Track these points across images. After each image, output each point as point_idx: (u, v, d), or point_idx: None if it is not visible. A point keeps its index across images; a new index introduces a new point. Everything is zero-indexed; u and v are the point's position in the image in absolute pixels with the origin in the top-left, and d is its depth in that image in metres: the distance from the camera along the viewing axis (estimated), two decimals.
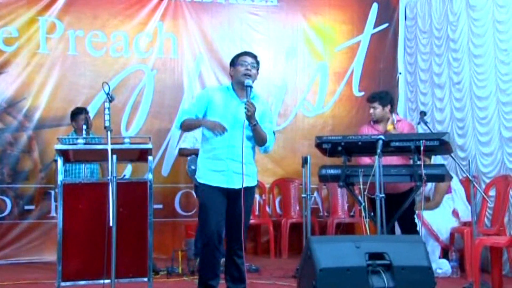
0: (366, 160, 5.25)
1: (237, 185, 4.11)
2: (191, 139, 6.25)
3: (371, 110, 5.43)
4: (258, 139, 4.20)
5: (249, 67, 4.20)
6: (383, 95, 5.49)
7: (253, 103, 4.05)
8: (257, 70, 4.30)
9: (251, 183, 4.24)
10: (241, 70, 4.20)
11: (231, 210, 4.19)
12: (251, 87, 4.12)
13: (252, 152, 4.28)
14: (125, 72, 7.26)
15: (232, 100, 4.22)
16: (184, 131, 4.37)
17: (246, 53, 4.32)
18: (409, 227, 5.15)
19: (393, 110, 5.49)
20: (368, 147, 4.75)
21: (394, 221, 5.00)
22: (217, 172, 4.16)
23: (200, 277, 4.28)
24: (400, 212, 5.03)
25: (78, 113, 6.30)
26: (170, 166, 7.20)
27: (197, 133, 6.09)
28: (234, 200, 4.13)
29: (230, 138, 4.10)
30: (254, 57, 4.30)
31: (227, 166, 4.13)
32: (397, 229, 5.55)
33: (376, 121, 5.43)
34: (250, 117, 4.04)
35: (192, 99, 4.41)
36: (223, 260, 5.93)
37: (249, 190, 4.22)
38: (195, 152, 6.12)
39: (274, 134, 4.41)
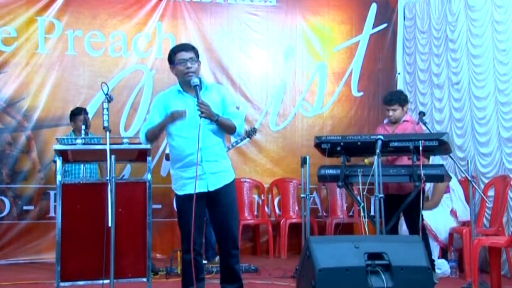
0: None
1: (215, 186, 3.99)
2: None
3: (390, 113, 5.43)
4: (227, 129, 4.03)
5: (188, 64, 3.98)
6: (402, 96, 5.50)
7: (204, 102, 3.86)
8: (198, 59, 4.07)
9: (229, 179, 4.09)
10: (182, 70, 4.00)
11: (216, 211, 4.06)
12: (198, 85, 3.92)
13: (222, 145, 4.11)
14: (124, 72, 7.27)
15: (186, 101, 4.01)
16: (150, 142, 4.09)
17: (181, 49, 4.06)
18: (418, 231, 5.05)
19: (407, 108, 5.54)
20: (367, 147, 4.76)
21: (394, 221, 5.00)
22: (193, 179, 3.94)
23: (183, 282, 4.16)
24: (398, 212, 5.04)
25: (77, 113, 6.29)
26: (169, 167, 7.17)
27: None
28: (216, 200, 4.00)
29: (199, 140, 3.88)
30: (191, 48, 4.07)
31: (202, 169, 3.94)
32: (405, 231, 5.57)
33: (393, 122, 5.45)
34: (207, 116, 3.87)
35: (150, 111, 4.21)
36: (218, 257, 5.95)
37: (228, 188, 4.07)
38: None
39: (241, 115, 4.21)
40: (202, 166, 3.95)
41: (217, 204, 4.03)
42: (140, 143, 4.46)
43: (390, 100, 5.44)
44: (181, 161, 4.03)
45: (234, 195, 4.17)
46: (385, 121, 5.62)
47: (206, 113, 3.86)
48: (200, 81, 4.01)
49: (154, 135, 4.06)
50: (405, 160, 5.23)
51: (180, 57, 4.02)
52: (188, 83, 3.98)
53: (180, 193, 4.08)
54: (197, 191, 3.94)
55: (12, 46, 6.97)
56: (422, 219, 5.33)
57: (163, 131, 4.05)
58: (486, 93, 6.04)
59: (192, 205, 3.95)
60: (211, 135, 3.99)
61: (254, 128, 6.95)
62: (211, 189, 3.99)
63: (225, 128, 4.02)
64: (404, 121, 5.50)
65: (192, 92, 3.98)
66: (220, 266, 4.26)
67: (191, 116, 3.92)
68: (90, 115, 6.65)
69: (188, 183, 4.01)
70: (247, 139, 6.93)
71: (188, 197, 3.99)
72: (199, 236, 4.11)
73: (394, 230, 5.23)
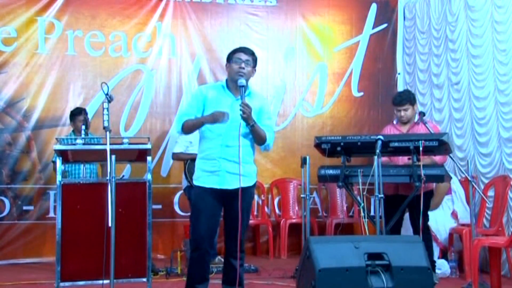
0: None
1: (231, 186, 4.02)
2: (184, 143, 6.24)
3: (402, 113, 5.39)
4: (257, 138, 4.09)
5: (243, 65, 4.07)
6: (411, 96, 5.48)
7: (248, 104, 3.94)
8: (254, 66, 4.18)
9: (248, 183, 4.12)
10: (235, 68, 4.08)
11: (228, 211, 4.10)
12: (244, 87, 4.00)
13: (250, 151, 4.16)
14: (124, 72, 7.26)
15: (226, 98, 4.10)
16: (185, 133, 4.20)
17: (241, 50, 4.17)
18: (423, 232, 4.98)
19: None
20: (367, 147, 4.75)
21: (394, 222, 5.00)
22: (211, 173, 4.05)
23: (188, 279, 4.18)
24: (399, 212, 5.04)
25: (77, 113, 6.29)
26: (169, 167, 7.19)
27: (190, 137, 6.16)
28: (230, 201, 4.04)
29: (225, 138, 4.02)
30: (251, 53, 4.16)
31: (220, 166, 4.02)
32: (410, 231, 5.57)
33: (404, 122, 5.43)
34: (246, 118, 3.94)
35: (188, 99, 4.28)
36: (219, 258, 5.95)
37: (246, 191, 4.09)
38: (191, 158, 6.16)
39: (273, 131, 4.30)
40: (219, 162, 4.03)
41: (230, 206, 4.06)
42: (140, 143, 4.47)
43: (401, 101, 5.40)
44: (203, 152, 4.13)
45: (250, 200, 4.22)
46: (395, 121, 5.58)
47: (247, 115, 3.94)
48: (246, 85, 4.11)
49: (190, 129, 4.15)
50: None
51: (238, 56, 4.12)
52: (234, 82, 4.07)
53: (195, 183, 4.15)
54: (210, 186, 4.05)
55: (12, 46, 6.97)
56: (427, 220, 5.33)
57: (201, 127, 4.11)
58: (486, 93, 6.04)
59: (206, 200, 4.05)
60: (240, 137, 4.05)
61: None
62: (224, 187, 4.02)
63: (256, 136, 4.08)
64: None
65: (235, 93, 4.09)
66: (223, 267, 4.25)
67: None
68: (90, 115, 6.64)
69: (203, 176, 4.09)
70: None
71: (203, 190, 4.08)
72: (210, 235, 4.12)
73: (395, 230, 5.21)
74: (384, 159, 5.17)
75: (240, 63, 4.08)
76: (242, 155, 4.04)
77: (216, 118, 3.95)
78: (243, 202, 4.04)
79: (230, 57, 4.18)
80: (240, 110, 3.92)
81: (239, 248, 4.03)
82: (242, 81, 4.01)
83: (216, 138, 4.04)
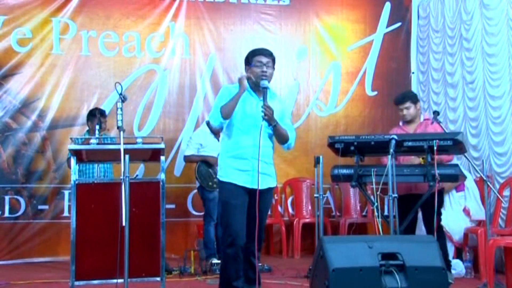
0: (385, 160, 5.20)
1: (260, 186, 4.03)
2: (194, 146, 6.29)
3: (404, 112, 5.42)
4: (280, 138, 4.17)
5: (265, 68, 4.10)
6: (411, 94, 5.52)
7: (270, 106, 3.99)
8: (273, 66, 4.20)
9: (273, 183, 4.23)
10: (257, 72, 4.10)
11: (251, 211, 4.08)
12: (267, 88, 4.05)
13: (272, 151, 4.26)
14: (137, 72, 7.29)
15: (251, 100, 4.14)
16: (225, 119, 4.04)
17: (261, 52, 4.18)
18: (437, 232, 4.96)
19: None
20: (381, 147, 4.73)
21: (408, 222, 4.97)
22: (242, 172, 4.08)
23: (223, 278, 4.14)
24: (412, 212, 5.01)
25: (95, 114, 6.22)
26: (182, 166, 7.20)
27: (201, 139, 6.18)
28: (255, 200, 4.03)
29: (254, 138, 4.04)
30: (270, 54, 4.19)
31: (253, 165, 4.06)
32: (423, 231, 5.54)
33: (408, 121, 5.42)
34: (269, 119, 4.00)
35: (220, 97, 4.19)
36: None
37: (269, 191, 4.20)
38: (202, 160, 6.19)
39: (294, 130, 4.35)
40: (251, 162, 4.07)
41: (255, 205, 4.02)
42: (153, 143, 4.48)
43: (402, 99, 5.45)
44: (233, 151, 4.12)
45: (271, 200, 4.35)
46: (401, 123, 5.57)
47: (269, 116, 4.00)
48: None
49: (230, 111, 4.05)
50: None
51: (258, 59, 4.14)
52: (257, 85, 4.11)
53: (225, 179, 4.12)
54: (243, 184, 4.08)
55: (27, 47, 7.03)
56: (440, 219, 5.30)
57: (237, 102, 4.05)
58: (502, 92, 5.99)
59: (238, 196, 4.06)
60: (265, 138, 4.11)
61: None
62: (254, 187, 4.03)
63: (279, 136, 4.15)
64: (424, 119, 5.46)
65: (258, 94, 4.14)
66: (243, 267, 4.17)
67: (252, 115, 4.07)
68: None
69: (235, 173, 4.10)
70: None
71: (235, 186, 4.08)
72: (243, 230, 4.08)
73: (410, 230, 5.18)
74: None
75: (262, 66, 4.11)
76: (267, 155, 4.15)
77: (242, 83, 4.02)
78: (266, 201, 4.14)
79: (250, 60, 4.18)
80: (262, 112, 3.97)
81: (257, 248, 4.07)
82: (265, 82, 4.06)
83: (247, 138, 4.08)
